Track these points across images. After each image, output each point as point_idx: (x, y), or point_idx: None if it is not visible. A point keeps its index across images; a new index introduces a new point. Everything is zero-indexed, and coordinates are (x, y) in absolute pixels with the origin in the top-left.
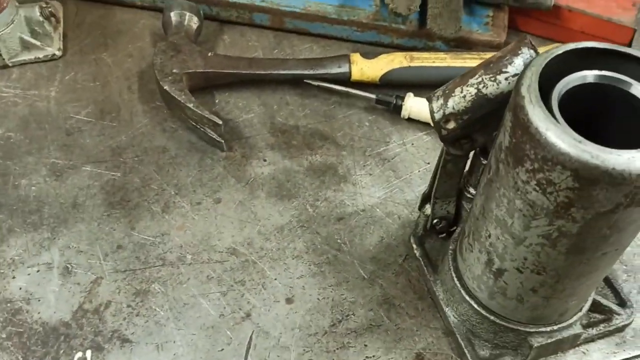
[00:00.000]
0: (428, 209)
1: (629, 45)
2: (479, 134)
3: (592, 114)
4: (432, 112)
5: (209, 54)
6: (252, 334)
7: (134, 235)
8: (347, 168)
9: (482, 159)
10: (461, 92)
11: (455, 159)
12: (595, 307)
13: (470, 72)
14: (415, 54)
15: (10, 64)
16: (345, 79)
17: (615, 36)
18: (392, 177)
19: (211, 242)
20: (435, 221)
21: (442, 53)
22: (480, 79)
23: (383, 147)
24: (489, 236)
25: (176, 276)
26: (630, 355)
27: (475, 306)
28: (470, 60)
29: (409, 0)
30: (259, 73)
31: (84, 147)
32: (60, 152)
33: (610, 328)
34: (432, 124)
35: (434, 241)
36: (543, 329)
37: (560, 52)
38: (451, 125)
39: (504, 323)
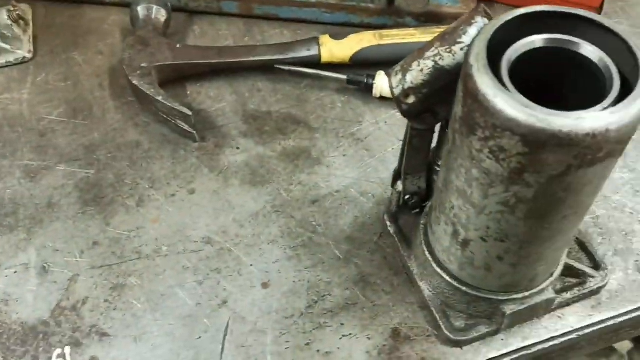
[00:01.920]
0: (400, 185)
1: (600, 8)
2: (440, 107)
3: (547, 79)
4: (391, 87)
5: (178, 46)
6: (229, 321)
7: (110, 231)
8: (320, 150)
9: (447, 131)
10: (418, 65)
11: (421, 134)
12: (569, 271)
13: (427, 45)
14: (384, 32)
15: None
16: (315, 62)
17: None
18: (366, 157)
19: (186, 233)
20: (407, 197)
21: (412, 29)
22: (436, 51)
23: (356, 127)
24: (453, 207)
25: (152, 268)
26: (606, 317)
27: (447, 278)
28: None
29: None
30: (229, 61)
31: (57, 147)
32: (34, 154)
33: (585, 291)
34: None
35: (407, 217)
36: (515, 296)
37: (509, 18)
38: (411, 99)
39: (475, 293)
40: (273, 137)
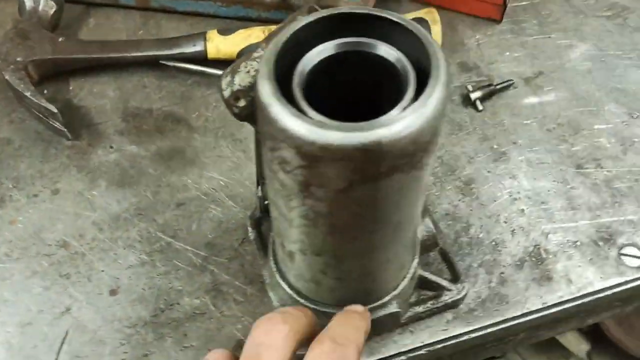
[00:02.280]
0: (260, 190)
1: (504, 5)
2: None
3: (355, 85)
4: (220, 90)
5: (60, 39)
6: (68, 329)
7: None
8: (196, 151)
9: None
10: (246, 67)
11: None
12: (425, 283)
13: (255, 46)
14: (274, 27)
15: None
16: (202, 58)
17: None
18: (242, 158)
19: (42, 236)
20: (267, 202)
21: None
22: (262, 53)
23: (238, 127)
24: (275, 218)
25: (0, 273)
26: (460, 332)
27: (288, 289)
28: None
29: None
30: (112, 56)
31: None
32: None
33: (439, 305)
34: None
35: (270, 223)
36: None
37: (308, 22)
38: (242, 103)
39: (313, 306)
40: (150, 136)
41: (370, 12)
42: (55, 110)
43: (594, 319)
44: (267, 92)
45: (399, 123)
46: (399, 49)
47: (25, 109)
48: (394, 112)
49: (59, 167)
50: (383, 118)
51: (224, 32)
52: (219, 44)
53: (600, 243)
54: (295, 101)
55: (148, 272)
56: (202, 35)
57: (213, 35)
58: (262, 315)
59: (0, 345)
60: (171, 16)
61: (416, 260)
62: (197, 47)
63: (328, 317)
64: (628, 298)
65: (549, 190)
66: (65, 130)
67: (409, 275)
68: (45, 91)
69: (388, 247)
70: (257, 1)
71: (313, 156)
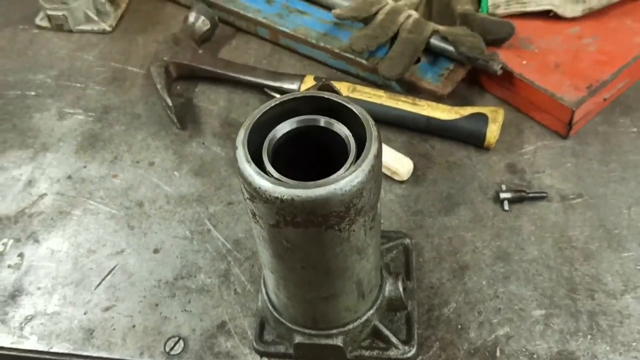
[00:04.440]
0: None
1: (569, 124)
2: None
3: (315, 149)
4: None
5: (200, 51)
6: (116, 266)
7: (83, 170)
8: None
9: None
10: None
11: None
12: (378, 334)
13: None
14: (359, 87)
15: (74, 30)
16: None
17: (556, 112)
18: None
19: (129, 192)
20: None
21: (382, 91)
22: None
23: None
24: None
25: (92, 208)
26: None
27: (265, 297)
28: (403, 104)
29: (368, 41)
30: (231, 75)
31: (88, 99)
32: (68, 100)
33: (383, 357)
34: None
35: None
36: (303, 330)
37: (274, 104)
38: None
39: (276, 315)
40: (234, 144)
41: (329, 97)
42: (170, 104)
43: None
44: (242, 159)
45: (310, 189)
46: (343, 121)
47: (157, 98)
48: (337, 174)
49: (162, 146)
50: (310, 183)
51: (318, 79)
52: (310, 88)
53: None
54: (263, 161)
55: (185, 245)
56: (301, 77)
57: (309, 80)
58: (249, 309)
59: (70, 259)
60: (293, 55)
61: (371, 312)
62: (293, 86)
63: (286, 329)
64: None
65: (532, 300)
66: (176, 121)
67: (360, 320)
68: (178, 87)
69: (323, 287)
70: (357, 62)
71: (252, 195)
